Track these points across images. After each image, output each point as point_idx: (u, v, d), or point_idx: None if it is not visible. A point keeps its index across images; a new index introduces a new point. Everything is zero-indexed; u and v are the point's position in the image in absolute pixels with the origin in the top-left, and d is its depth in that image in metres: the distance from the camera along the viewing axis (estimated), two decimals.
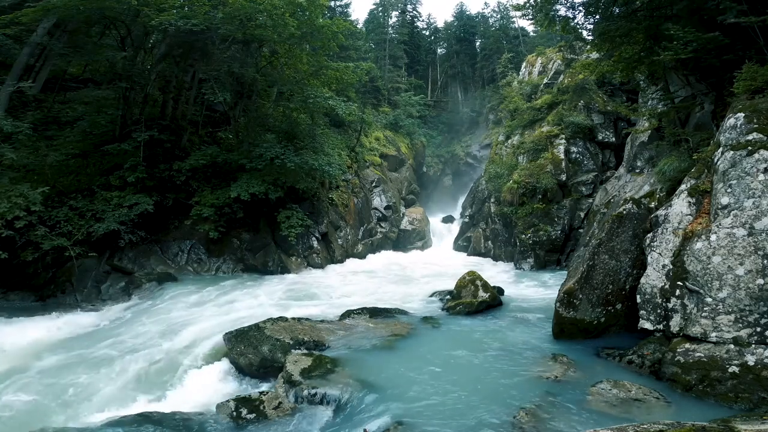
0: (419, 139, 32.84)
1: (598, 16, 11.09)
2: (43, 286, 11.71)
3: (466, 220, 23.80)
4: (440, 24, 53.69)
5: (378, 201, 23.22)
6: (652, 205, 8.08)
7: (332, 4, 33.93)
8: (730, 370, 5.25)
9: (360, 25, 39.25)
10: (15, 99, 12.99)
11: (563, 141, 17.93)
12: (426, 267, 17.33)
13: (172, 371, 7.00)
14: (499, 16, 45.64)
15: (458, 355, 6.94)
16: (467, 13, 48.38)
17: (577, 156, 17.81)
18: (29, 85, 12.71)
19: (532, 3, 11.65)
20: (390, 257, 20.32)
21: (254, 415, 5.45)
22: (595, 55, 13.87)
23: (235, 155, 14.81)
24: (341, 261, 17.94)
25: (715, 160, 6.46)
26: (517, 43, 40.57)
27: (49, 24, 12.52)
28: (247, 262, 14.40)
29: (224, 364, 7.17)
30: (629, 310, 7.18)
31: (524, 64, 27.53)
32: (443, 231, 26.25)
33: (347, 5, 37.65)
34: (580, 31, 12.24)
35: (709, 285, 5.78)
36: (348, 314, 9.18)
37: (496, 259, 18.86)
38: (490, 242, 19.93)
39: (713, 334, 5.62)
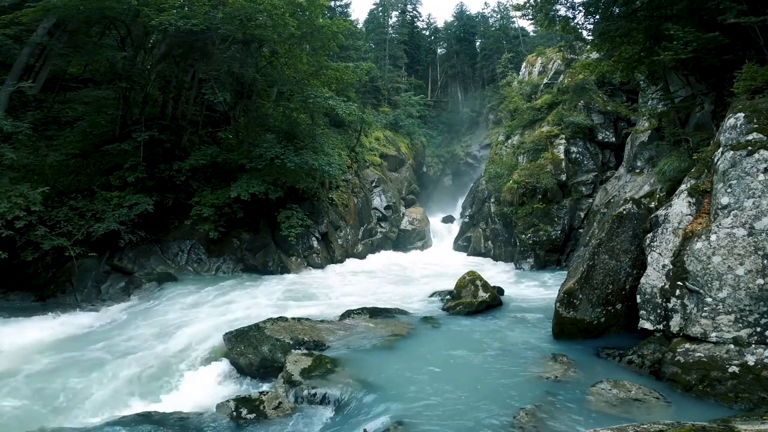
0: (419, 139, 32.85)
1: (598, 16, 11.09)
2: (43, 286, 11.71)
3: (466, 220, 23.80)
4: (440, 24, 53.81)
5: (378, 201, 23.22)
6: (652, 205, 8.08)
7: (332, 4, 33.94)
8: (730, 370, 5.25)
9: (360, 25, 39.26)
10: (15, 99, 12.99)
11: (563, 141, 17.93)
12: (426, 267, 17.33)
13: (171, 372, 7.00)
14: (499, 16, 45.71)
15: (458, 355, 6.94)
16: (467, 13, 48.43)
17: (577, 156, 17.81)
18: (29, 85, 12.71)
19: (532, 3, 11.65)
20: (390, 257, 20.33)
21: (254, 415, 5.45)
22: (595, 55, 13.87)
23: (235, 155, 14.81)
24: (341, 261, 17.94)
25: (715, 160, 6.46)
26: (517, 43, 40.58)
27: (49, 24, 12.52)
28: (247, 262, 14.40)
29: (224, 364, 7.17)
30: (629, 310, 7.18)
31: (524, 64, 27.53)
32: (443, 231, 26.25)
33: (347, 5, 37.69)
34: (580, 31, 12.24)
35: (709, 285, 5.78)
36: (348, 314, 9.18)
37: (496, 259, 18.86)
38: (490, 242, 19.93)
39: (713, 334, 5.62)
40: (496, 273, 15.53)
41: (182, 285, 12.02)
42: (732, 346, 5.43)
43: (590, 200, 16.74)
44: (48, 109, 14.51)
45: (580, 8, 11.46)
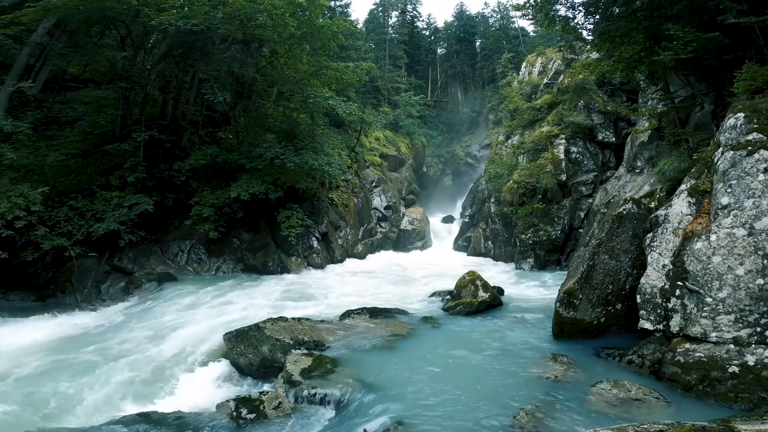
0: (419, 139, 32.85)
1: (598, 16, 11.09)
2: (43, 286, 11.71)
3: (466, 220, 23.81)
4: (440, 24, 53.81)
5: (378, 201, 23.22)
6: (652, 205, 8.08)
7: (332, 4, 33.94)
8: (730, 370, 5.25)
9: (360, 25, 39.26)
10: (15, 99, 12.99)
11: (563, 141, 17.93)
12: (426, 267, 17.33)
13: (170, 372, 6.98)
14: (499, 16, 45.71)
15: (458, 355, 6.94)
16: (467, 13, 48.43)
17: (577, 156, 17.81)
18: (29, 85, 12.71)
19: (532, 3, 11.65)
20: (390, 257, 20.32)
21: (254, 415, 5.45)
22: (595, 55, 13.87)
23: (235, 155, 14.81)
24: (341, 261, 17.94)
25: (715, 160, 6.46)
26: (517, 43, 40.58)
27: (49, 24, 12.52)
28: (247, 262, 14.40)
29: (224, 364, 7.16)
30: (629, 310, 7.18)
31: (524, 64, 27.53)
32: (443, 231, 26.24)
33: (347, 5, 37.68)
34: (580, 31, 12.24)
35: (709, 285, 5.78)
36: (348, 314, 9.18)
37: (496, 259, 18.86)
38: (490, 242, 19.93)
39: (713, 334, 5.62)
40: (496, 273, 15.53)
41: (182, 285, 12.02)
42: (732, 346, 5.43)
43: (590, 200, 16.74)
44: (48, 109, 14.50)
45: (580, 8, 11.47)
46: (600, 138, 18.14)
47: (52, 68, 14.25)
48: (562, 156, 17.57)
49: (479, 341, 7.59)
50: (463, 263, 17.48)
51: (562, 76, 22.14)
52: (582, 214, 16.63)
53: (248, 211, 14.61)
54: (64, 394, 6.25)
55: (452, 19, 49.15)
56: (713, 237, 5.89)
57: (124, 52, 14.03)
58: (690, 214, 6.57)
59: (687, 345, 5.79)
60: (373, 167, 24.52)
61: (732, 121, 6.42)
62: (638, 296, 6.61)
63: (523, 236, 16.54)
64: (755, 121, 6.15)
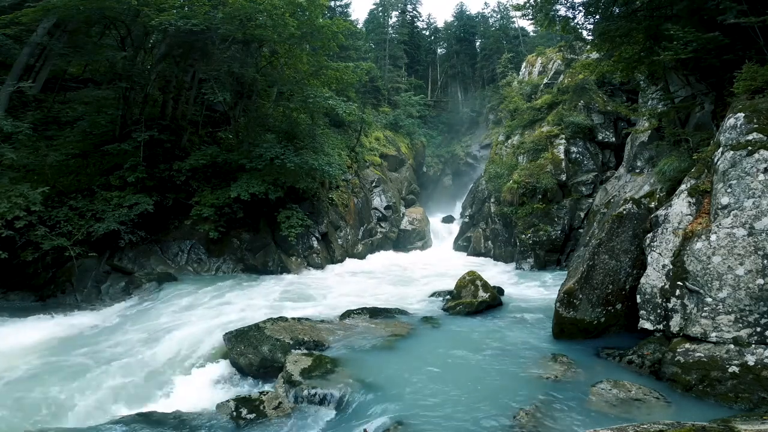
0: (419, 139, 32.86)
1: (598, 16, 11.10)
2: (43, 286, 11.71)
3: (466, 220, 23.81)
4: (440, 24, 53.82)
5: (378, 201, 23.22)
6: (652, 205, 8.08)
7: (332, 4, 33.95)
8: (730, 370, 5.25)
9: (360, 25, 39.27)
10: (15, 99, 12.99)
11: (563, 141, 17.94)
12: (426, 267, 17.33)
13: (169, 373, 6.97)
14: (499, 16, 45.72)
15: (458, 355, 6.94)
16: (467, 13, 48.44)
17: (577, 156, 17.81)
18: (29, 85, 12.71)
19: (532, 3, 11.66)
20: (390, 257, 20.33)
21: (254, 415, 5.45)
22: (595, 55, 13.88)
23: (235, 155, 14.81)
24: (341, 261, 17.94)
25: (715, 160, 6.46)
26: (517, 43, 40.58)
27: (49, 24, 12.52)
28: (247, 262, 14.40)
29: (224, 364, 7.16)
30: (629, 310, 7.18)
31: (524, 64, 27.54)
32: (443, 231, 26.25)
33: (347, 5, 37.69)
34: (580, 31, 12.24)
35: (709, 285, 5.78)
36: (348, 314, 9.18)
37: (496, 259, 18.86)
38: (490, 242, 19.93)
39: (713, 334, 5.62)
40: (496, 273, 15.53)
41: (182, 285, 12.01)
42: (732, 346, 5.43)
43: (590, 200, 16.74)
44: (48, 109, 14.50)
45: (580, 8, 11.47)
46: (600, 138, 18.14)
47: (52, 68, 14.25)
48: (562, 156, 17.57)
49: (479, 341, 7.59)
50: (463, 263, 17.48)
51: (562, 76, 22.14)
52: (582, 214, 16.63)
53: (248, 211, 14.61)
54: (55, 399, 6.08)
55: (452, 19, 49.21)
56: (713, 237, 5.89)
57: (124, 52, 14.02)
58: (690, 214, 6.57)
59: (687, 345, 5.79)
60: (373, 167, 24.53)
61: (732, 121, 6.42)
62: (638, 296, 6.61)
63: (523, 236, 16.54)
64: (755, 121, 6.15)
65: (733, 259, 5.64)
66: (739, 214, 5.73)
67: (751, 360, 5.21)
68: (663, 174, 9.23)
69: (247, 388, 6.66)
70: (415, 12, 47.27)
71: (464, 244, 22.35)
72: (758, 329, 5.34)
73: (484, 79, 41.21)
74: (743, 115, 6.33)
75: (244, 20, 13.67)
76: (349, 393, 5.65)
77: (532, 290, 12.31)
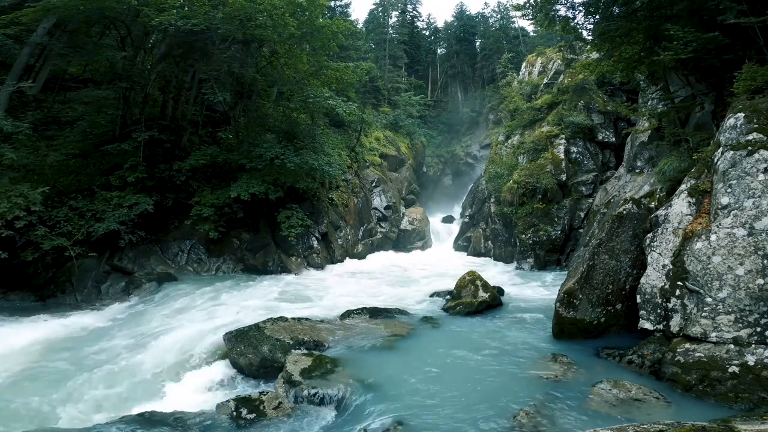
0: (419, 139, 32.86)
1: (598, 16, 11.10)
2: (43, 286, 11.70)
3: (466, 220, 23.81)
4: (440, 24, 53.81)
5: (378, 201, 23.22)
6: (652, 205, 8.09)
7: (332, 4, 33.94)
8: (730, 370, 5.25)
9: (360, 25, 39.26)
10: (15, 99, 12.98)
11: (563, 141, 17.93)
12: (426, 267, 17.33)
13: (169, 372, 6.97)
14: (499, 16, 45.70)
15: (458, 355, 6.94)
16: (467, 13, 48.41)
17: (577, 156, 17.81)
18: (29, 85, 12.70)
19: (532, 3, 11.66)
20: (390, 257, 20.32)
21: (254, 415, 5.45)
22: (595, 55, 13.88)
23: (235, 155, 14.81)
24: (341, 261, 17.94)
25: (715, 160, 6.46)
26: (517, 43, 40.58)
27: (49, 24, 12.52)
28: (247, 262, 14.40)
29: (224, 364, 7.17)
30: (629, 310, 7.18)
31: (524, 64, 27.54)
32: (443, 231, 26.25)
33: (347, 5, 37.68)
34: (580, 31, 12.24)
35: (709, 285, 5.78)
36: (348, 314, 9.18)
37: (496, 259, 18.86)
38: (490, 242, 19.93)
39: (713, 334, 5.62)
40: (496, 273, 15.53)
41: (182, 285, 12.01)
42: (732, 346, 5.43)
43: (590, 200, 16.74)
44: (48, 109, 14.50)
45: (580, 8, 11.47)
46: (600, 138, 18.14)
47: (52, 68, 14.24)
48: (562, 156, 17.57)
49: (479, 341, 7.59)
50: (463, 263, 17.48)
51: (562, 76, 22.14)
52: (582, 214, 16.63)
53: (248, 211, 14.61)
54: (37, 409, 5.90)
55: (452, 19, 49.19)
56: (713, 237, 5.89)
57: (124, 52, 14.02)
58: (690, 214, 6.57)
59: (687, 345, 5.79)
60: (373, 167, 24.52)
61: (732, 121, 6.42)
62: (638, 296, 6.61)
63: (523, 236, 16.54)
64: (755, 121, 6.16)
65: (733, 259, 5.64)
66: (739, 214, 5.73)
67: (751, 360, 5.21)
68: (663, 174, 9.23)
69: (247, 388, 6.66)
70: (415, 12, 47.27)
71: (464, 244, 22.34)
72: (758, 329, 5.34)
73: (484, 79, 41.21)
74: (743, 115, 6.33)
75: (244, 20, 13.67)
76: (349, 393, 5.65)
77: (532, 290, 12.31)
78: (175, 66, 15.59)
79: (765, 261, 5.43)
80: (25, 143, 11.84)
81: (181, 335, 8.18)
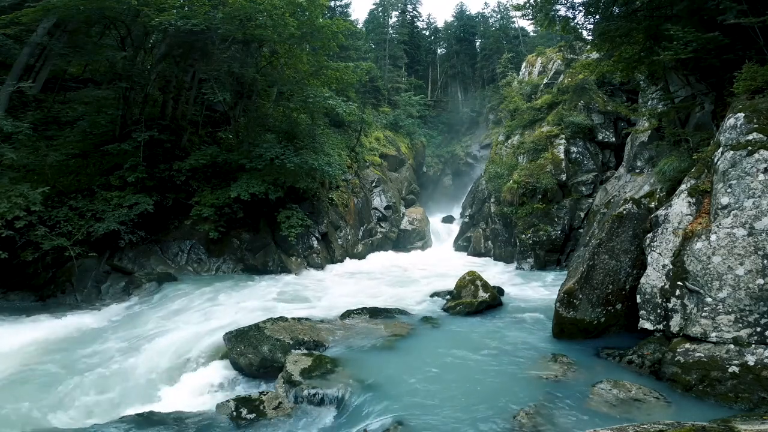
0: (419, 139, 32.86)
1: (598, 16, 11.10)
2: (43, 286, 11.70)
3: (466, 220, 23.81)
4: (440, 24, 53.81)
5: (378, 201, 23.22)
6: (652, 205, 8.09)
7: (332, 4, 33.94)
8: (730, 370, 5.25)
9: (360, 25, 39.27)
10: (15, 99, 12.98)
11: (563, 141, 17.94)
12: (426, 267, 17.33)
13: (168, 372, 6.96)
14: (499, 16, 45.71)
15: (458, 355, 6.94)
16: (467, 13, 48.42)
17: (577, 156, 17.81)
18: (29, 85, 12.70)
19: (532, 3, 11.66)
20: (390, 257, 20.31)
21: (254, 415, 5.45)
22: (595, 55, 13.88)
23: (235, 155, 14.81)
24: (341, 261, 17.94)
25: (715, 160, 6.46)
26: (517, 43, 40.58)
27: (49, 24, 12.52)
28: (247, 262, 14.40)
29: (224, 364, 7.16)
30: (629, 310, 7.18)
31: (524, 64, 27.54)
32: (443, 231, 26.25)
33: (347, 5, 37.68)
34: (580, 31, 12.24)
35: (709, 285, 5.78)
36: (348, 314, 9.18)
37: (496, 259, 18.86)
38: (490, 242, 19.93)
39: (713, 334, 5.62)
40: (496, 273, 15.53)
41: (181, 285, 12.00)
42: (732, 346, 5.43)
43: (590, 200, 16.74)
44: (48, 109, 14.50)
45: (580, 8, 11.47)
46: (600, 138, 18.14)
47: (52, 68, 14.24)
48: (562, 156, 17.57)
49: (479, 341, 7.59)
50: (464, 263, 17.48)
51: (562, 76, 22.14)
52: (582, 214, 16.63)
53: (248, 211, 14.61)
54: (27, 415, 5.79)
55: (452, 19, 49.19)
56: (713, 237, 5.89)
57: (124, 52, 14.02)
58: (690, 214, 6.57)
59: (687, 345, 5.79)
60: (373, 167, 24.52)
61: (732, 121, 6.42)
62: (638, 296, 6.61)
63: (523, 236, 16.54)
64: (755, 121, 6.16)
65: (733, 259, 5.64)
66: (739, 214, 5.73)
67: (751, 360, 5.21)
68: (663, 174, 9.23)
69: (247, 388, 6.66)
70: (415, 12, 47.28)
71: (464, 244, 22.35)
72: (758, 329, 5.34)
73: (484, 79, 41.21)
74: (743, 115, 6.33)
75: (244, 20, 13.67)
76: (349, 393, 5.65)
77: (532, 290, 12.31)
78: (175, 66, 15.58)
79: (765, 261, 5.43)
80: (25, 143, 11.83)
81: (180, 336, 8.15)
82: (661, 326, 6.26)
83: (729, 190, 5.94)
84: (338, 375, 6.15)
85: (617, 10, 10.39)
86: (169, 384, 6.71)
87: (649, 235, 6.95)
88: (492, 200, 20.14)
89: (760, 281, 5.40)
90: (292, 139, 15.82)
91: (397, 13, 44.64)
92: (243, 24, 13.77)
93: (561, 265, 15.87)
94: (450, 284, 11.31)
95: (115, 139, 13.72)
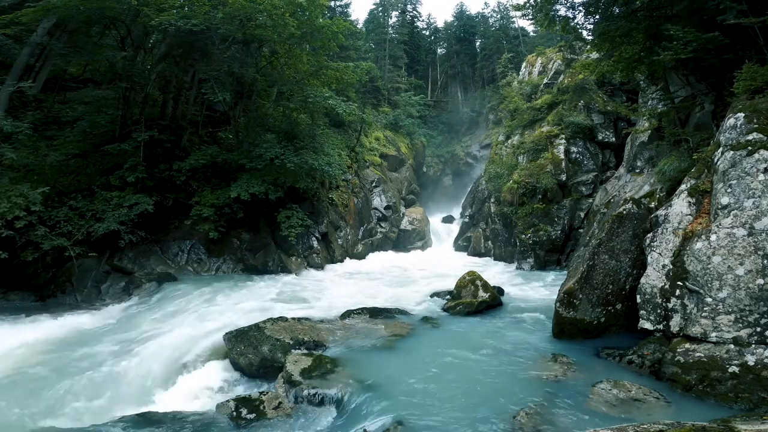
0: (419, 139, 32.86)
1: (598, 16, 11.10)
2: (43, 286, 11.70)
3: (466, 220, 23.82)
4: (440, 24, 53.85)
5: (378, 201, 23.22)
6: (652, 205, 8.09)
7: (332, 4, 33.95)
8: (730, 370, 5.25)
9: (360, 25, 39.28)
10: (15, 99, 12.98)
11: (563, 141, 17.94)
12: (426, 267, 17.32)
13: (166, 373, 6.93)
14: (499, 16, 45.72)
15: (458, 355, 6.94)
16: (467, 13, 48.44)
17: (577, 156, 17.81)
18: (29, 85, 12.70)
19: (532, 3, 11.66)
20: (390, 257, 20.32)
21: (254, 415, 5.45)
22: (595, 55, 13.88)
23: (235, 155, 14.81)
24: (341, 261, 17.94)
25: (715, 160, 6.46)
26: (517, 43, 40.59)
27: (49, 24, 12.52)
28: (247, 262, 14.39)
29: (224, 364, 7.17)
30: (629, 310, 7.18)
31: (524, 64, 27.55)
32: (443, 231, 26.26)
33: (347, 5, 37.69)
34: (580, 31, 12.24)
35: (709, 285, 5.77)
36: (348, 314, 9.18)
37: (496, 259, 18.87)
38: (490, 242, 19.93)
39: (713, 334, 5.62)
40: (496, 273, 15.53)
41: (181, 285, 11.98)
42: (732, 346, 5.43)
43: (590, 200, 16.74)
44: (48, 109, 14.49)
45: (580, 8, 11.47)
46: (600, 138, 18.14)
47: (52, 68, 14.24)
48: (562, 156, 17.57)
49: (479, 341, 7.59)
50: (464, 263, 17.48)
51: (562, 76, 22.15)
52: (582, 214, 16.63)
53: (248, 211, 14.61)
54: (18, 423, 5.62)
55: (452, 19, 49.21)
56: (713, 237, 5.89)
57: (124, 52, 14.02)
58: (690, 214, 6.57)
59: (687, 345, 5.79)
60: (373, 167, 24.53)
61: (732, 121, 6.42)
62: (638, 296, 6.61)
63: (523, 236, 16.54)
64: (755, 121, 6.16)
65: (733, 259, 5.64)
66: (739, 214, 5.73)
67: (751, 360, 5.21)
68: (663, 174, 9.23)
69: (247, 388, 6.66)
70: (415, 12, 47.29)
71: (464, 244, 22.35)
72: (758, 329, 5.34)
73: (484, 79, 41.21)
74: (743, 115, 6.33)
75: (244, 20, 13.67)
76: (349, 393, 5.65)
77: (532, 290, 12.31)
78: (175, 66, 15.58)
79: (765, 261, 5.42)
80: (25, 143, 11.83)
81: (179, 337, 8.11)
82: (661, 326, 6.26)
83: (729, 190, 5.94)
84: (338, 375, 6.15)
85: (617, 10, 10.39)
86: (168, 385, 6.70)
87: (649, 235, 6.95)
88: (492, 200, 20.14)
89: (760, 281, 5.40)
90: (292, 139, 15.81)
91: (397, 13, 44.66)
92: (243, 24, 13.77)
93: (561, 265, 15.87)
94: (450, 284, 11.31)
95: (115, 139, 13.72)
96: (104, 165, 13.54)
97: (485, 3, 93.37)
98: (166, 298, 10.94)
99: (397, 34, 40.87)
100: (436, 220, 27.65)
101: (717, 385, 5.25)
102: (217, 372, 7.00)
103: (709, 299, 5.73)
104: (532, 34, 42.51)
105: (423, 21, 49.56)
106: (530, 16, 12.63)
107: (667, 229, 6.68)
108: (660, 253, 6.54)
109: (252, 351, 7.02)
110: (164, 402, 6.27)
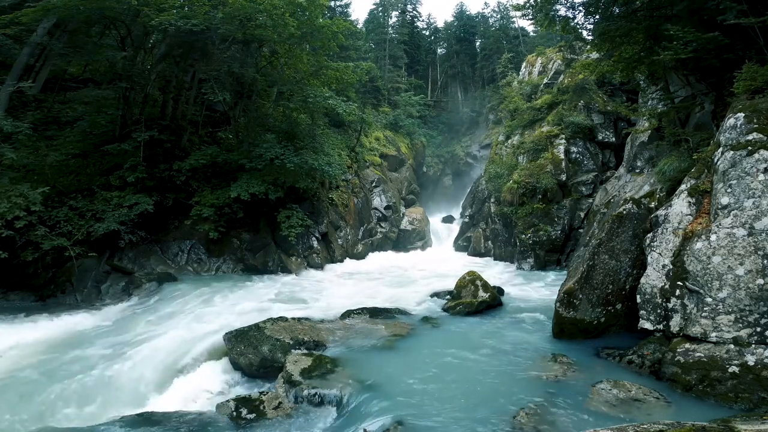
0: (419, 139, 32.87)
1: (598, 16, 11.10)
2: (43, 286, 11.70)
3: (466, 220, 23.82)
4: (440, 24, 53.88)
5: (378, 201, 23.22)
6: (652, 205, 8.09)
7: (332, 4, 33.95)
8: (730, 370, 5.25)
9: (360, 25, 39.28)
10: (15, 99, 12.98)
11: (563, 141, 17.94)
12: (426, 267, 17.31)
13: (165, 374, 6.90)
14: (499, 16, 45.73)
15: (458, 355, 6.94)
16: (467, 13, 48.44)
17: (577, 156, 17.81)
18: (29, 85, 12.70)
19: (532, 3, 11.66)
20: (390, 257, 20.32)
21: (254, 415, 5.45)
22: (595, 55, 13.88)
23: (235, 155, 14.81)
24: (341, 261, 17.94)
25: (715, 160, 6.46)
26: (517, 43, 40.59)
27: (49, 24, 12.52)
28: (247, 262, 14.40)
29: (224, 364, 7.17)
30: (629, 310, 7.18)
31: (524, 64, 27.54)
32: (443, 231, 26.25)
33: (347, 5, 37.69)
34: (580, 31, 12.24)
35: (709, 285, 5.77)
36: (348, 314, 9.18)
37: (496, 259, 18.87)
38: (490, 242, 19.93)
39: (713, 334, 5.62)
40: (496, 273, 15.53)
41: (181, 285, 11.98)
42: (732, 346, 5.43)
43: (590, 200, 16.74)
44: (48, 109, 14.49)
45: (580, 8, 11.47)
46: (600, 138, 18.14)
47: (52, 68, 14.24)
48: (562, 156, 17.57)
49: (479, 341, 7.59)
50: (464, 263, 17.47)
51: (562, 76, 22.15)
52: (582, 214, 16.63)
53: (248, 211, 14.61)
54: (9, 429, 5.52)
55: (452, 19, 49.22)
56: (713, 237, 5.89)
57: (124, 52, 14.02)
58: (690, 214, 6.57)
59: (687, 345, 5.79)
60: (373, 167, 24.53)
61: (732, 121, 6.42)
62: (638, 296, 6.61)
63: (523, 236, 16.54)
64: (755, 121, 6.15)
65: (733, 259, 5.64)
66: (739, 214, 5.73)
67: (751, 360, 5.21)
68: (663, 174, 9.23)
69: (247, 387, 6.66)
70: (415, 12, 47.30)
71: (464, 244, 22.35)
72: (758, 329, 5.34)
73: (484, 79, 41.22)
74: (743, 115, 6.33)
75: (244, 20, 13.67)
76: (349, 393, 5.65)
77: (532, 290, 12.31)
78: (175, 66, 15.58)
79: (765, 261, 5.42)
80: (25, 143, 11.83)
81: (179, 337, 8.08)
82: (661, 326, 6.26)
83: (729, 190, 5.94)
84: (338, 375, 6.15)
85: (617, 10, 10.39)
86: (163, 389, 6.62)
87: (649, 235, 6.95)
88: (492, 200, 20.14)
89: (760, 281, 5.40)
90: (292, 139, 15.81)
91: (397, 13, 44.67)
92: (243, 24, 13.77)
93: (561, 265, 15.87)
94: (450, 284, 11.31)
95: (115, 139, 13.72)
96: (104, 165, 13.54)
97: (485, 3, 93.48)
98: (165, 298, 10.93)
99: (397, 34, 40.87)
100: (436, 220, 27.65)
101: (717, 385, 5.25)
102: (216, 374, 6.98)
103: (709, 299, 5.73)
104: (532, 34, 42.51)
105: (423, 21, 49.63)
106: (530, 16, 12.63)
107: (667, 229, 6.68)
108: (660, 253, 6.54)
109: (252, 351, 7.02)
110: (163, 402, 6.24)
